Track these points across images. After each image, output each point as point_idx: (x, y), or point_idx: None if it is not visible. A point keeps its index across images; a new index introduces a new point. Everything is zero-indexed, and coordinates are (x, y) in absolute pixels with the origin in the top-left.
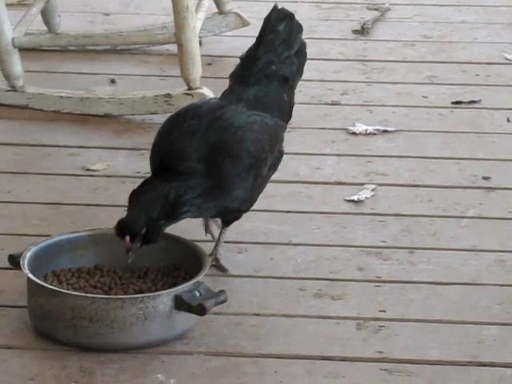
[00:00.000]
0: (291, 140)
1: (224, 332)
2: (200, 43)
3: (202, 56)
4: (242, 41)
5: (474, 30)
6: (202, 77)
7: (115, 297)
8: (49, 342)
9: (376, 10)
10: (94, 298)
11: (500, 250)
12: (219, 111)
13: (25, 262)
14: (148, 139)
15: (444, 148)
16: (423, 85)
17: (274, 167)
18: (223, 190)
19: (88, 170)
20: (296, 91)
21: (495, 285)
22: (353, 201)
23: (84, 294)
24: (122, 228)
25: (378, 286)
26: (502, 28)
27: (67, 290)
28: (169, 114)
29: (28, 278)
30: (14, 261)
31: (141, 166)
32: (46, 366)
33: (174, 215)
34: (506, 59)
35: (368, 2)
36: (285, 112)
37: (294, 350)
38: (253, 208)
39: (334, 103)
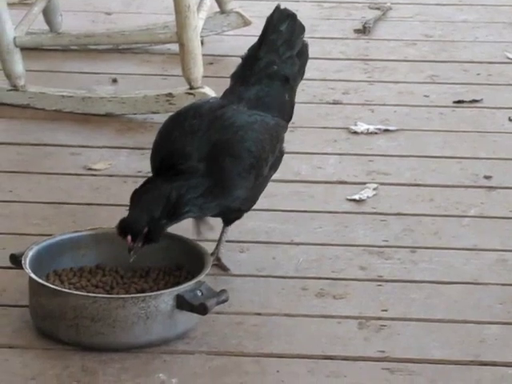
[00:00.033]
0: (293, 139)
1: (226, 331)
2: (202, 42)
3: (203, 55)
4: (244, 40)
5: (476, 30)
6: (204, 76)
7: (117, 296)
8: (50, 341)
9: (378, 9)
10: (95, 297)
11: (501, 250)
12: (220, 111)
13: (26, 262)
14: (150, 138)
15: (445, 147)
16: (425, 84)
17: (274, 167)
18: (224, 189)
19: (90, 169)
20: (298, 90)
21: (497, 284)
22: (354, 200)
23: (86, 294)
24: (124, 227)
25: (380, 285)
26: (503, 27)
27: (69, 289)
28: (170, 114)
29: (30, 278)
30: (16, 260)
31: (142, 165)
32: (47, 366)
33: (175, 215)
34: (508, 58)
35: (369, 1)
36: (286, 112)
37: (296, 349)
38: (255, 207)
39: (335, 102)
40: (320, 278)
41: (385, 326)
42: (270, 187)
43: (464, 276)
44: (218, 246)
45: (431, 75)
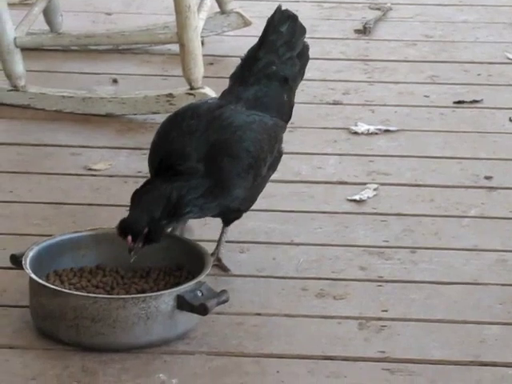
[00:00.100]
0: (293, 140)
1: (226, 332)
2: (202, 43)
3: (203, 56)
4: (244, 40)
5: (476, 30)
6: (204, 76)
7: (117, 296)
8: (51, 341)
9: (378, 9)
10: (96, 297)
11: (502, 250)
12: (218, 111)
13: (27, 262)
14: (150, 139)
15: (446, 147)
16: (425, 84)
17: (273, 167)
18: (223, 189)
19: (90, 169)
20: (298, 91)
21: (497, 284)
22: (355, 200)
23: (86, 294)
24: (124, 228)
25: (380, 285)
26: (503, 28)
27: (69, 289)
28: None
29: (30, 278)
30: (16, 260)
31: (143, 165)
32: (47, 366)
33: (176, 216)
34: (508, 59)
35: (370, 1)
36: (284, 112)
37: (296, 349)
38: (255, 207)
39: (335, 103)
40: (320, 279)
41: (385, 326)
42: (270, 187)
43: (464, 276)
44: (218, 246)
45: (431, 75)
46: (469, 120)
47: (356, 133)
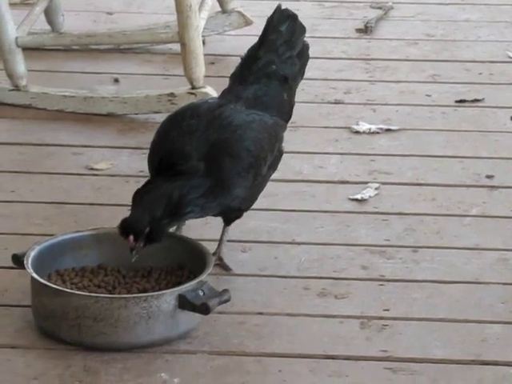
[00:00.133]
0: (294, 139)
1: (227, 331)
2: (203, 42)
3: (205, 55)
4: (245, 40)
5: (478, 29)
6: (206, 76)
7: (119, 296)
8: (52, 341)
9: (379, 8)
10: (97, 297)
11: (503, 249)
12: (218, 110)
13: (28, 262)
14: (151, 138)
15: (447, 146)
16: (426, 83)
17: (273, 166)
18: (224, 188)
19: (91, 169)
20: (299, 90)
21: (498, 283)
22: (356, 199)
23: (88, 294)
24: (126, 227)
25: (382, 284)
26: (505, 27)
27: (71, 289)
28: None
29: (32, 278)
30: (18, 260)
31: (144, 165)
32: (49, 366)
33: (177, 215)
34: (510, 58)
35: (371, 0)
36: (285, 111)
37: (298, 348)
38: (256, 207)
39: (337, 102)
40: (322, 278)
41: (387, 325)
42: (272, 187)
43: (466, 275)
44: (219, 245)
45: (433, 74)
46: (470, 119)
47: (357, 132)
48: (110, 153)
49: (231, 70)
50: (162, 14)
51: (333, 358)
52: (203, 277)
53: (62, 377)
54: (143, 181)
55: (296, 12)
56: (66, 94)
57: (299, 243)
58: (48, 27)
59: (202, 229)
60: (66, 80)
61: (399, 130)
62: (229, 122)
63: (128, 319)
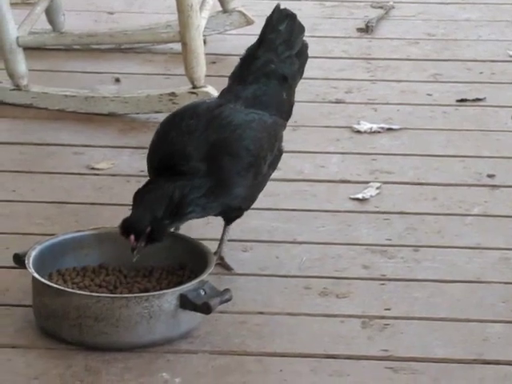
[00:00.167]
0: (295, 138)
1: (229, 331)
2: (204, 42)
3: (206, 54)
4: (246, 39)
5: (479, 28)
6: (207, 75)
7: (120, 296)
8: (54, 341)
9: (380, 8)
10: (98, 296)
11: (505, 248)
12: (217, 110)
13: (30, 261)
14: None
15: (448, 146)
16: (428, 83)
17: (273, 165)
18: (224, 188)
19: (93, 168)
20: (300, 89)
21: (500, 283)
22: (357, 199)
23: (89, 293)
24: (127, 227)
25: (383, 284)
26: (506, 26)
27: (72, 289)
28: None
29: (33, 277)
30: (19, 260)
31: (145, 164)
32: (50, 365)
33: (178, 215)
34: (511, 57)
35: (372, 0)
36: (284, 111)
37: (299, 348)
38: (257, 206)
39: (338, 101)
40: (323, 277)
41: (388, 324)
42: (273, 186)
43: (467, 275)
44: (220, 245)
45: (434, 74)
46: (472, 118)
47: (359, 131)
48: (111, 152)
49: (232, 70)
50: (163, 14)
51: (334, 358)
52: (204, 276)
53: (62, 376)
54: (144, 180)
55: (297, 11)
56: (67, 93)
57: (300, 243)
58: (49, 27)
59: (203, 228)
60: (67, 80)
61: (400, 129)
62: (228, 121)
63: (129, 319)
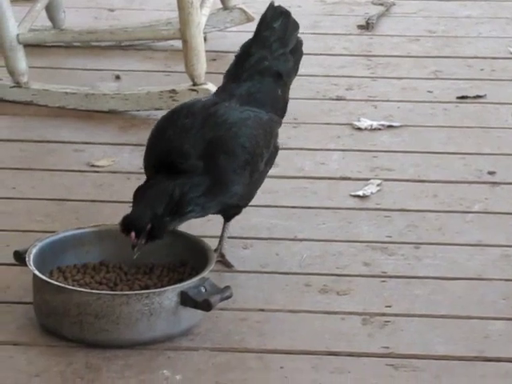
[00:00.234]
0: (296, 135)
1: (229, 328)
2: (205, 39)
3: (206, 52)
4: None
5: (479, 25)
6: (207, 72)
7: (121, 293)
8: (54, 338)
9: (381, 5)
10: (99, 294)
11: (506, 245)
12: (213, 108)
13: (30, 259)
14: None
15: (449, 143)
16: (428, 80)
17: (270, 163)
18: (221, 186)
19: (93, 166)
20: (301, 86)
21: (501, 280)
22: (358, 196)
23: (89, 291)
24: (127, 224)
25: (384, 281)
26: (506, 23)
27: (73, 286)
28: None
29: (33, 275)
30: (20, 257)
31: None
32: (51, 363)
33: (178, 214)
34: (511, 53)
35: None
36: (279, 108)
37: (300, 345)
38: (258, 203)
39: (338, 98)
40: (324, 274)
41: (389, 322)
42: (273, 183)
43: (468, 272)
44: (220, 242)
45: (435, 71)
46: (472, 115)
47: (359, 128)
48: (112, 149)
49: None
50: (164, 11)
51: (335, 355)
52: (205, 273)
53: (63, 374)
54: (145, 178)
55: (297, 8)
56: (68, 90)
57: (301, 240)
58: (49, 24)
59: (203, 225)
60: (68, 77)
61: (401, 126)
62: (224, 119)
63: (130, 316)
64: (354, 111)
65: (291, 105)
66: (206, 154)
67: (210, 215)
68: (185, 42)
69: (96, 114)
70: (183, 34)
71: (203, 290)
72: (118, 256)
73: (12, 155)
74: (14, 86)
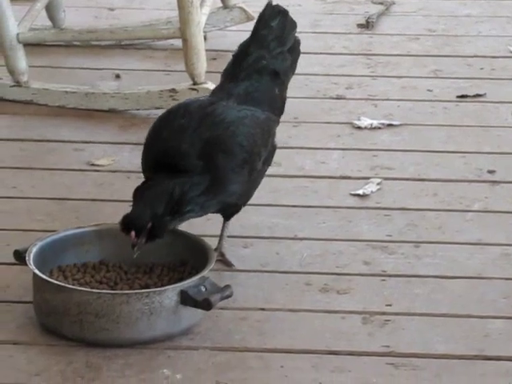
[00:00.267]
0: (296, 134)
1: (229, 327)
2: (205, 38)
3: (206, 51)
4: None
5: (479, 24)
6: (207, 71)
7: (121, 292)
8: (54, 337)
9: (381, 3)
10: (99, 293)
11: (506, 244)
12: (210, 107)
13: (30, 258)
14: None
15: (449, 142)
16: (428, 79)
17: (268, 161)
18: (220, 185)
19: (93, 165)
20: (301, 85)
21: (501, 278)
22: (358, 195)
23: (90, 290)
24: (128, 223)
25: (384, 280)
26: (506, 21)
27: (73, 285)
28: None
29: (33, 274)
30: (20, 256)
31: None
32: (51, 362)
33: (178, 213)
34: (511, 52)
35: None
36: (277, 107)
37: (300, 344)
38: (258, 202)
39: (338, 97)
40: (324, 273)
41: (389, 320)
42: (274, 182)
43: (468, 270)
44: (220, 241)
45: (434, 70)
46: (472, 114)
47: (359, 127)
48: (112, 149)
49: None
50: (164, 10)
51: (335, 354)
52: (205, 272)
53: (64, 373)
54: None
55: (297, 7)
56: (68, 89)
57: (301, 239)
58: (49, 23)
59: (203, 225)
60: (68, 76)
61: (401, 125)
62: (221, 118)
63: (130, 315)
64: (354, 110)
65: (291, 104)
66: (204, 153)
67: (209, 214)
68: (185, 41)
69: (96, 113)
70: (183, 33)
71: (203, 289)
72: (118, 255)
73: (12, 154)
74: (13, 85)
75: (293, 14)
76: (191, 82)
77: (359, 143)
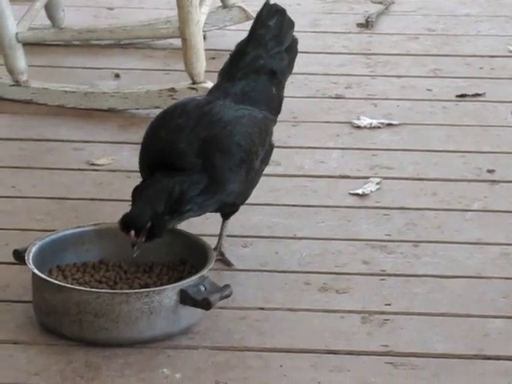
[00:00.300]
0: (296, 134)
1: (229, 326)
2: (204, 37)
3: (206, 50)
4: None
5: (478, 23)
6: (206, 71)
7: (120, 291)
8: (54, 336)
9: (380, 3)
10: (99, 292)
11: (505, 243)
12: (207, 107)
13: (30, 257)
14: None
15: (448, 141)
16: (427, 78)
17: (265, 161)
18: (218, 185)
19: (93, 164)
20: (300, 85)
21: (500, 278)
22: (357, 194)
23: (89, 289)
24: (127, 222)
25: (383, 279)
26: (506, 21)
27: (72, 284)
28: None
29: (33, 273)
30: (19, 256)
31: None
32: (51, 361)
33: (177, 212)
34: (511, 52)
35: None
36: (274, 106)
37: (299, 343)
38: (257, 202)
39: (338, 97)
40: (323, 273)
41: (388, 320)
42: (273, 182)
43: (467, 270)
44: (219, 240)
45: (434, 69)
46: (471, 113)
47: (358, 127)
48: (111, 148)
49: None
50: (163, 9)
51: (334, 353)
52: (205, 272)
53: (63, 372)
54: None
55: (296, 6)
56: (67, 89)
57: (300, 238)
58: (48, 22)
59: (202, 224)
60: (67, 75)
61: (400, 124)
62: (218, 118)
63: (129, 314)
64: (354, 109)
65: (291, 103)
66: (202, 152)
67: (208, 213)
68: (184, 40)
69: (95, 112)
70: (182, 32)
71: (203, 289)
72: (118, 254)
73: (11, 154)
74: (13, 85)
75: (292, 14)
76: (190, 82)
77: (358, 143)
